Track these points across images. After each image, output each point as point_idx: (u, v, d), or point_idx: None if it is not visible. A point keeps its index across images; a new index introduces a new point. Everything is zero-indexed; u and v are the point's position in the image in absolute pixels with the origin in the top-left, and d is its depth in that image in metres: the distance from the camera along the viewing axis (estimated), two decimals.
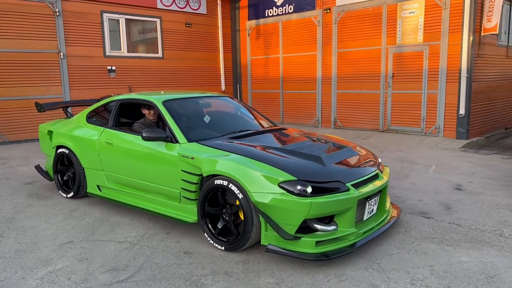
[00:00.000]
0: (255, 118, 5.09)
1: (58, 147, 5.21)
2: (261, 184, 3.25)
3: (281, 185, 3.20)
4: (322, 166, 3.49)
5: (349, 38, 10.55)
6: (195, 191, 3.78)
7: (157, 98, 4.46)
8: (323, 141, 4.32)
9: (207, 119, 4.63)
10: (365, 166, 3.81)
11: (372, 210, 3.66)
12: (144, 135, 3.91)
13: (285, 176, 3.23)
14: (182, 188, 3.85)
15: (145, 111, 4.66)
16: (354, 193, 3.31)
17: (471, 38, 8.54)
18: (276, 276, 3.14)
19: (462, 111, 8.79)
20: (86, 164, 4.85)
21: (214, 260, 3.43)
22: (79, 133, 4.97)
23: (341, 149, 4.06)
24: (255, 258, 3.45)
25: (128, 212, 4.65)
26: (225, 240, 3.56)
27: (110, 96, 5.21)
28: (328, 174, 3.41)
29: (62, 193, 5.24)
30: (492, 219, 4.28)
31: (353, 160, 3.86)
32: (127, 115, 4.97)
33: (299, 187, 3.17)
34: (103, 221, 4.40)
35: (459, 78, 8.74)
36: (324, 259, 3.15)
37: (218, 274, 3.20)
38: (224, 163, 3.47)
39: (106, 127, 4.71)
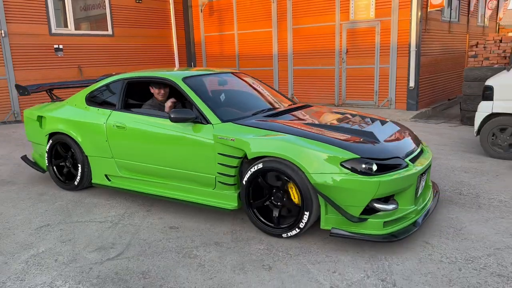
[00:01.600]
0: (272, 94, 4.70)
1: (52, 134, 4.64)
2: (320, 164, 3.01)
3: (343, 164, 2.98)
4: (378, 142, 3.29)
5: (304, 15, 10.70)
6: (234, 175, 3.46)
7: (175, 75, 4.04)
8: (361, 116, 4.11)
9: (222, 97, 4.27)
10: (411, 141, 3.66)
11: (422, 185, 3.47)
12: (172, 116, 3.52)
13: (347, 155, 2.99)
14: (218, 173, 3.52)
15: (155, 90, 4.28)
16: (415, 168, 3.17)
17: (419, 13, 9.00)
18: (265, 242, 3.26)
19: (411, 83, 9.31)
20: (91, 151, 4.34)
21: (202, 233, 3.48)
22: (80, 118, 4.39)
23: (385, 124, 3.87)
24: (241, 228, 3.54)
25: (102, 192, 4.54)
26: (283, 226, 3.28)
27: (112, 74, 4.72)
28: (387, 150, 3.21)
29: (61, 186, 4.71)
30: (450, 180, 4.67)
31: (399, 135, 3.70)
32: (134, 96, 4.52)
33: (364, 166, 2.95)
34: (77, 203, 4.27)
35: (409, 53, 9.21)
36: (394, 239, 2.98)
37: (208, 245, 3.26)
38: (276, 143, 3.18)
39: (114, 110, 4.20)
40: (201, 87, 4.03)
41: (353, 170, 2.96)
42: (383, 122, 3.92)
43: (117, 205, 4.18)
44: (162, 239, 3.40)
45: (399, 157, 3.18)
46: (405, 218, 3.15)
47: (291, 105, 4.48)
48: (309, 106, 4.47)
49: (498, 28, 15.31)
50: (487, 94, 5.45)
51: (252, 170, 3.28)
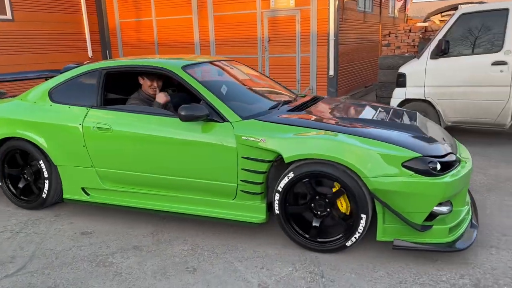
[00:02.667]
0: (272, 84, 4.13)
1: (4, 140, 3.72)
2: (379, 166, 2.59)
3: (405, 164, 2.58)
4: (429, 137, 2.89)
5: (225, 1, 10.46)
6: (262, 183, 2.93)
7: (172, 63, 3.36)
8: (385, 107, 3.72)
9: (224, 89, 3.47)
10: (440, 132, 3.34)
11: None
12: (183, 113, 2.91)
13: (409, 153, 2.60)
14: (241, 181, 2.96)
15: (146, 82, 3.61)
16: (469, 165, 2.85)
17: (336, 2, 9.22)
18: (189, 242, 3.06)
19: (331, 72, 9.56)
20: (61, 160, 3.51)
21: (118, 237, 3.18)
22: (44, 118, 3.52)
23: (413, 116, 3.49)
24: (163, 228, 3.30)
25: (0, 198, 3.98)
26: (327, 240, 2.84)
27: (81, 64, 3.82)
28: (440, 146, 2.82)
29: (18, 205, 3.79)
30: None
31: (433, 128, 3.36)
32: (115, 90, 3.81)
33: (429, 165, 2.57)
34: None
35: (328, 41, 9.43)
36: (462, 248, 2.63)
37: (126, 250, 2.97)
38: (322, 143, 2.69)
39: (93, 107, 3.43)
40: (206, 78, 3.42)
41: (417, 171, 2.56)
42: (409, 113, 3.57)
43: (18, 212, 3.69)
44: (72, 247, 3.03)
45: (453, 153, 2.83)
46: (463, 221, 2.82)
47: (302, 97, 3.95)
48: (322, 97, 3.93)
49: (406, 19, 16.40)
50: (400, 81, 5.72)
51: (291, 175, 2.77)
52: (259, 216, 2.99)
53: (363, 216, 2.66)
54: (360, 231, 2.70)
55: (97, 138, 3.33)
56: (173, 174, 3.15)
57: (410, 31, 8.47)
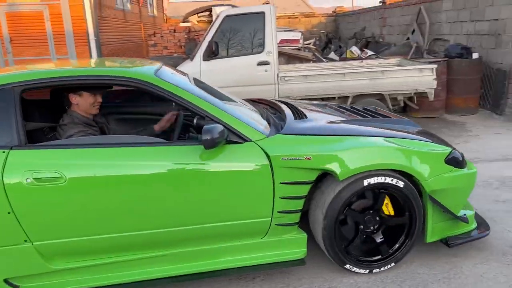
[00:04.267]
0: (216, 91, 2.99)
1: None
2: (434, 167, 2.49)
3: (447, 160, 2.54)
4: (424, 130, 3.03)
5: None
6: (301, 209, 2.42)
7: (143, 71, 2.40)
8: (343, 107, 3.50)
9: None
10: None
11: None
12: (208, 138, 2.08)
13: (445, 149, 2.58)
14: (279, 212, 2.35)
15: (88, 99, 2.53)
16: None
17: None
18: None
19: None
20: None
21: None
22: None
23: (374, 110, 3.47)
24: None
25: None
26: (371, 260, 2.56)
27: None
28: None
29: None
30: None
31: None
32: (33, 115, 2.55)
33: (461, 159, 2.60)
34: None
35: (88, 42, 8.40)
36: (487, 233, 2.79)
37: None
38: (378, 152, 2.40)
39: (14, 148, 2.10)
40: (189, 85, 2.49)
41: (456, 165, 2.57)
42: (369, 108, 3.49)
43: None
44: None
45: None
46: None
47: (282, 102, 3.25)
48: (285, 101, 3.33)
49: (166, 19, 16.56)
50: None
51: (347, 194, 2.36)
52: (300, 249, 2.47)
53: (418, 223, 2.54)
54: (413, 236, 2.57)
55: (35, 196, 2.09)
56: (178, 224, 2.28)
57: (174, 31, 8.41)
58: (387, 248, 2.55)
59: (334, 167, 2.31)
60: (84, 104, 2.53)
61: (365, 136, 2.50)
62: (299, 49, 8.34)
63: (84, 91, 2.52)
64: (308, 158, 2.29)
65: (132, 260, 2.29)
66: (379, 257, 2.55)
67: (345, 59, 8.93)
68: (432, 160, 2.50)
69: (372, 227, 2.54)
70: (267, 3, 6.72)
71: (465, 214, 2.67)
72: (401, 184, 2.41)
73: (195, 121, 2.32)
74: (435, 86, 5.41)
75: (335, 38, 15.27)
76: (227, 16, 5.37)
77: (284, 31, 10.71)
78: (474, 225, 2.74)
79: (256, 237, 2.42)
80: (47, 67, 2.62)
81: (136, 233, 2.23)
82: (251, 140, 2.28)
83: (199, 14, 12.35)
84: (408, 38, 9.76)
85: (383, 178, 2.38)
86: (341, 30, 16.17)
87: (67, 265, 2.24)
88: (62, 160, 2.10)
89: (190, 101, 2.27)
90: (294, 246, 2.47)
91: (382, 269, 2.54)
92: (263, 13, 5.36)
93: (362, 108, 3.36)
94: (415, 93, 5.52)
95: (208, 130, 2.09)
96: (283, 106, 2.95)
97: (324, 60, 8.28)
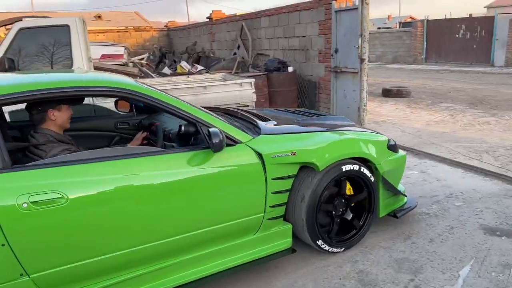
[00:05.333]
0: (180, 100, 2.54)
1: None
2: (382, 152, 2.91)
3: (388, 146, 3.00)
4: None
5: None
6: (286, 202, 2.55)
7: (124, 81, 2.29)
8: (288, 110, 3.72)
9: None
10: None
11: None
12: (217, 141, 2.10)
13: (384, 137, 3.03)
14: (271, 207, 2.47)
15: (65, 113, 2.37)
16: None
17: None
18: None
19: None
20: None
21: None
22: None
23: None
24: None
25: None
26: (345, 238, 2.84)
27: None
28: None
29: None
30: None
31: None
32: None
33: (395, 145, 3.10)
34: None
35: None
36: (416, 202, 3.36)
37: None
38: (346, 144, 2.74)
39: (2, 170, 1.78)
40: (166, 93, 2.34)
41: (393, 150, 3.03)
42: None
43: None
44: None
45: None
46: None
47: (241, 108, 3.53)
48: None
49: None
50: None
51: (324, 182, 2.59)
52: (287, 239, 2.62)
53: (376, 200, 2.90)
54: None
55: (33, 222, 1.80)
56: (183, 231, 2.20)
57: None
58: (358, 222, 2.86)
59: (314, 159, 2.52)
60: (61, 118, 2.35)
61: (328, 131, 2.79)
62: (123, 65, 7.86)
63: (63, 105, 2.35)
64: (294, 154, 2.47)
65: (131, 278, 2.12)
66: (354, 232, 2.85)
67: (176, 74, 8.82)
68: (380, 147, 2.91)
69: (341, 210, 2.81)
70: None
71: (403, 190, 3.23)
72: (364, 169, 2.75)
73: (183, 128, 2.25)
74: (255, 99, 5.64)
75: (170, 52, 15.13)
76: (22, 29, 4.64)
77: (106, 45, 10.04)
78: (406, 198, 3.25)
79: (250, 234, 2.48)
80: (21, 79, 2.27)
81: (141, 247, 2.09)
82: (241, 142, 2.35)
83: (7, 26, 10.73)
84: (235, 53, 10.19)
85: (351, 166, 2.68)
86: (174, 44, 16.12)
87: None
88: (60, 179, 1.88)
89: (182, 108, 2.24)
90: (282, 237, 2.60)
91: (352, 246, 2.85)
92: (67, 26, 4.79)
93: (294, 110, 3.66)
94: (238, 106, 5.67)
95: (216, 134, 2.12)
96: (238, 112, 3.03)
97: (153, 75, 7.99)
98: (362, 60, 5.98)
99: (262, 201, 2.43)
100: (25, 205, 1.77)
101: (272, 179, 2.41)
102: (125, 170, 2.01)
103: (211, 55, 11.69)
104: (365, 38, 5.78)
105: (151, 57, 14.90)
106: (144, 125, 3.11)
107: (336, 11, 6.51)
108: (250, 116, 2.87)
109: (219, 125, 2.28)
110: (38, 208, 1.80)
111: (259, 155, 2.35)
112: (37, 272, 1.88)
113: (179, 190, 2.15)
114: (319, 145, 2.61)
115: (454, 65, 17.75)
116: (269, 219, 2.50)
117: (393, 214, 3.07)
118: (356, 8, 5.94)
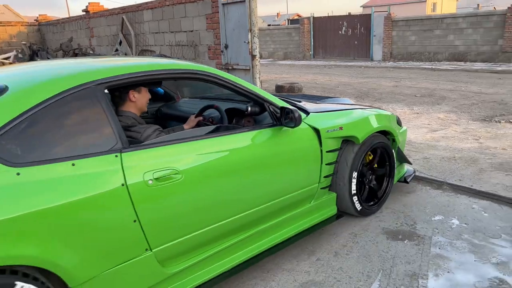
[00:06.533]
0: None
1: None
2: (396, 126, 3.28)
3: (397, 120, 3.38)
4: None
5: None
6: (333, 172, 2.86)
7: (198, 65, 2.34)
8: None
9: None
10: None
11: None
12: (297, 116, 2.31)
13: (391, 112, 3.36)
14: (325, 177, 2.76)
15: (146, 95, 2.40)
16: None
17: None
18: None
19: None
20: (86, 273, 1.69)
21: None
22: (25, 205, 1.52)
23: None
24: None
25: None
26: (373, 202, 3.16)
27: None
28: None
29: None
30: None
31: None
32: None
33: (398, 118, 3.47)
34: None
35: None
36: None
37: None
38: (375, 119, 3.03)
39: (123, 150, 1.81)
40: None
41: (400, 124, 3.43)
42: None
43: None
44: None
45: None
46: None
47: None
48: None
49: None
50: None
51: (362, 154, 2.90)
52: (333, 207, 2.91)
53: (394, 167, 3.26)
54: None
55: (158, 197, 1.90)
56: (265, 201, 2.40)
57: None
58: (380, 190, 3.18)
59: (356, 133, 2.82)
60: (141, 100, 2.38)
61: (356, 109, 3.03)
62: None
63: (143, 87, 2.36)
64: (341, 128, 2.74)
65: (227, 247, 2.24)
66: (377, 199, 3.15)
67: None
68: (394, 121, 3.27)
69: (369, 178, 3.10)
70: None
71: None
72: (388, 141, 3.12)
73: (249, 108, 2.45)
74: None
75: (42, 50, 13.34)
76: None
77: None
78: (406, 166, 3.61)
79: (307, 203, 2.72)
80: (121, 62, 2.24)
81: (237, 216, 2.25)
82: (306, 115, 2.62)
83: None
84: (117, 50, 9.23)
85: (380, 138, 3.02)
86: (47, 41, 14.30)
87: (179, 267, 2.05)
88: (174, 156, 1.98)
89: (253, 90, 2.41)
90: (329, 205, 2.88)
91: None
92: None
93: (302, 95, 3.65)
94: None
95: (296, 111, 2.32)
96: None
97: None
98: (253, 57, 5.66)
99: (318, 172, 2.70)
100: (150, 181, 1.84)
101: (326, 151, 2.70)
102: (227, 145, 2.18)
103: (90, 52, 10.49)
104: (255, 33, 5.46)
105: (20, 55, 13.02)
106: (162, 111, 3.36)
107: (223, 4, 6.10)
108: (289, 99, 3.04)
109: (283, 105, 2.43)
110: (161, 184, 1.87)
111: (316, 131, 2.61)
112: (158, 246, 1.93)
113: (266, 162, 2.35)
114: (358, 120, 2.91)
115: (339, 60, 18.80)
116: (322, 188, 2.79)
117: (404, 180, 3.46)
118: (244, 1, 5.58)
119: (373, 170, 3.12)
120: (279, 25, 31.48)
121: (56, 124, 1.70)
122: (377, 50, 17.85)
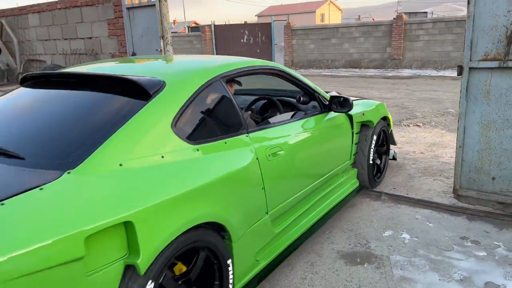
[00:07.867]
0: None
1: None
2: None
3: None
4: None
5: None
6: (356, 152, 3.55)
7: (273, 63, 2.88)
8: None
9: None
10: None
11: None
12: (351, 103, 2.99)
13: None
14: (353, 154, 3.50)
15: (231, 89, 2.73)
16: None
17: None
18: None
19: None
20: (240, 228, 2.06)
21: None
22: (210, 173, 1.93)
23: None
24: None
25: None
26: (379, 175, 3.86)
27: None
28: None
29: None
30: None
31: None
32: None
33: None
34: None
35: None
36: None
37: None
38: (380, 107, 3.76)
39: (250, 132, 2.29)
40: None
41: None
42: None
43: None
44: None
45: None
46: None
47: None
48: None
49: None
50: None
51: (375, 135, 3.56)
52: (355, 180, 3.53)
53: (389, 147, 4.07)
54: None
55: (273, 169, 2.38)
56: (322, 175, 3.02)
57: None
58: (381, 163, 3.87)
59: (372, 118, 3.52)
60: (232, 92, 2.63)
61: (365, 99, 3.81)
62: None
63: (232, 81, 2.71)
64: (363, 114, 3.43)
65: (302, 212, 2.76)
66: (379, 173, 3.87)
67: None
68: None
69: (375, 155, 3.66)
70: None
71: None
72: (387, 124, 3.89)
73: (301, 98, 3.03)
74: None
75: None
76: None
77: None
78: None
79: (341, 177, 3.32)
80: (229, 58, 2.66)
81: (312, 185, 2.86)
82: None
83: None
84: None
85: (383, 122, 3.74)
86: None
87: (281, 227, 2.51)
88: (277, 136, 2.49)
89: (309, 84, 2.98)
90: (353, 179, 3.52)
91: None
92: None
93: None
94: None
95: (349, 97, 2.97)
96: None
97: None
98: None
99: (349, 150, 3.36)
100: (270, 156, 2.31)
101: (355, 133, 3.36)
102: (308, 127, 2.81)
103: None
104: (168, 40, 4.97)
105: None
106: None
107: (128, 8, 5.47)
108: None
109: (335, 95, 3.11)
110: (274, 158, 2.35)
111: (349, 116, 3.26)
112: (271, 209, 2.38)
113: (328, 138, 3.05)
114: (372, 108, 3.59)
115: None
116: (351, 164, 3.48)
117: (392, 158, 4.16)
118: (153, 5, 5.05)
119: (377, 149, 3.71)
120: (176, 32, 30.68)
121: (207, 111, 2.13)
122: (279, 58, 18.28)
